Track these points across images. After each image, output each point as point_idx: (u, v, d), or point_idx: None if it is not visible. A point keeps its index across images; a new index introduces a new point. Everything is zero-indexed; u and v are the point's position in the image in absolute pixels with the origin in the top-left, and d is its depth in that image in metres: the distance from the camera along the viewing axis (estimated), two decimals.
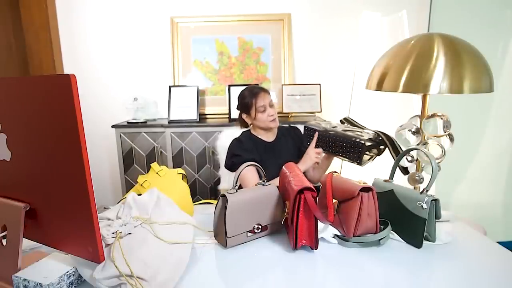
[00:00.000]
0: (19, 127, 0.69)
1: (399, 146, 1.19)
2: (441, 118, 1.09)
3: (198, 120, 2.30)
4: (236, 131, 1.66)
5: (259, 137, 1.56)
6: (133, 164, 2.26)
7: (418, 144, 1.10)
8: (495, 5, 2.21)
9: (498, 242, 0.94)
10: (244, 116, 1.54)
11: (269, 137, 1.57)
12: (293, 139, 1.61)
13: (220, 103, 2.45)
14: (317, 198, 0.96)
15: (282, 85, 2.37)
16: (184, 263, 0.78)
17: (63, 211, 0.68)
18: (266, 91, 1.52)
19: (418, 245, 0.91)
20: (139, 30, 2.41)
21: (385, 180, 1.03)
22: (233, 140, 1.54)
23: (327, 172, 1.18)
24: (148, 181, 1.07)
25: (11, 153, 0.72)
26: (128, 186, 2.27)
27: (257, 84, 1.62)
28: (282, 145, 1.57)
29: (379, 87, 1.09)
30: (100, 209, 0.84)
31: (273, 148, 1.55)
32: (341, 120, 1.43)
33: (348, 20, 2.39)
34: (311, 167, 1.46)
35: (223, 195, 0.92)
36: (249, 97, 1.50)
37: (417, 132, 1.11)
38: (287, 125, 1.66)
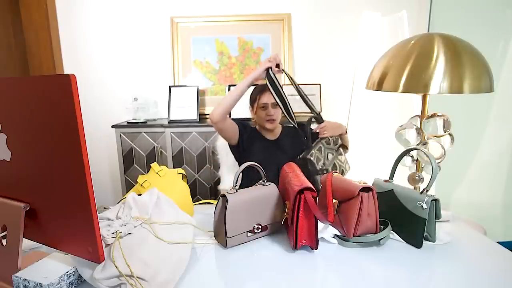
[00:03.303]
0: (19, 127, 0.69)
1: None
2: (441, 118, 1.09)
3: (198, 120, 2.30)
4: None
5: (262, 134, 1.57)
6: (133, 164, 2.26)
7: (418, 144, 1.10)
8: (495, 5, 2.21)
9: (498, 242, 0.94)
10: (250, 109, 1.59)
11: (270, 136, 1.58)
12: (297, 138, 1.60)
13: None
14: (317, 198, 0.96)
15: (282, 85, 2.37)
16: (184, 263, 0.78)
17: (63, 211, 0.68)
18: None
19: (418, 245, 0.91)
20: (139, 30, 2.41)
21: (385, 180, 1.03)
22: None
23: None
24: (148, 181, 1.07)
25: (11, 153, 0.72)
26: (128, 186, 2.27)
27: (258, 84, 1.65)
28: (284, 144, 1.57)
29: (379, 87, 1.09)
30: (100, 209, 0.84)
31: (275, 147, 1.56)
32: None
33: (348, 20, 2.39)
34: None
35: (223, 195, 0.92)
36: (256, 92, 1.55)
37: (417, 132, 1.11)
38: (292, 125, 1.65)
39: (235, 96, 1.42)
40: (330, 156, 1.34)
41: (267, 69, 1.38)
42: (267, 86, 1.54)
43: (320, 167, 1.29)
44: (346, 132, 1.47)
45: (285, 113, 1.37)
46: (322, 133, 1.39)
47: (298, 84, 1.44)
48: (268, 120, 1.52)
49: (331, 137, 1.39)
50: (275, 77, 1.38)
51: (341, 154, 1.40)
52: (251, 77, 1.40)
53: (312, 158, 1.29)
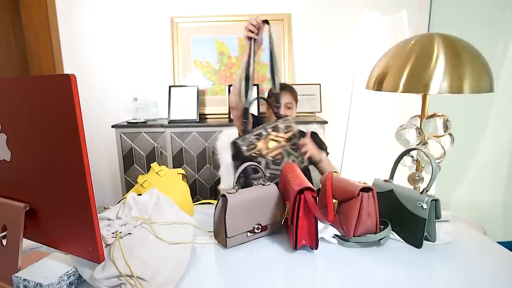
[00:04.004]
0: (19, 127, 0.69)
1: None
2: (441, 118, 1.09)
3: (198, 120, 2.30)
4: (236, 132, 1.66)
5: None
6: (133, 164, 2.26)
7: (418, 144, 1.10)
8: (495, 5, 2.21)
9: (498, 242, 0.94)
10: (266, 103, 1.57)
11: None
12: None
13: (220, 103, 2.45)
14: (317, 198, 0.96)
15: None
16: (184, 263, 0.78)
17: (63, 211, 0.68)
18: (291, 92, 1.53)
19: (418, 245, 0.91)
20: (139, 30, 2.41)
21: (385, 180, 1.03)
22: None
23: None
24: (148, 181, 1.07)
25: (11, 153, 0.72)
26: (128, 186, 2.27)
27: (287, 84, 1.62)
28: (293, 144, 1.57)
29: (379, 87, 1.09)
30: (100, 209, 0.84)
31: None
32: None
33: (348, 20, 2.39)
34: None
35: (223, 195, 0.92)
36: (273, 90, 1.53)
37: (417, 132, 1.11)
38: (310, 131, 1.63)
39: (240, 79, 1.36)
40: (273, 144, 1.22)
41: (251, 41, 1.26)
42: (281, 87, 1.53)
43: (250, 154, 1.17)
44: (321, 161, 1.41)
45: (242, 91, 1.25)
46: (302, 148, 1.30)
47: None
48: None
49: (282, 123, 1.27)
50: (254, 52, 1.26)
51: (293, 145, 1.27)
52: (245, 57, 1.30)
53: (242, 143, 1.17)
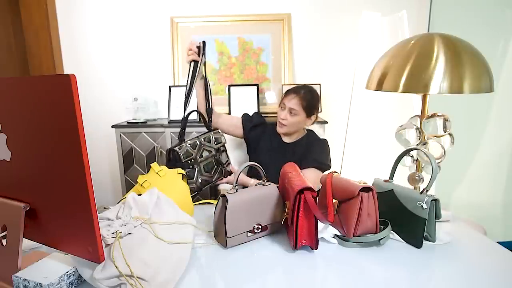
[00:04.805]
0: (19, 127, 0.69)
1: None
2: (441, 118, 1.09)
3: (198, 120, 2.30)
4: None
5: (279, 133, 1.57)
6: (133, 164, 2.26)
7: (418, 144, 1.10)
8: (495, 5, 2.21)
9: (498, 242, 0.94)
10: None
11: (286, 138, 1.57)
12: (314, 147, 1.54)
13: (220, 103, 2.44)
14: (317, 198, 0.96)
15: (282, 85, 2.38)
16: (184, 263, 0.78)
17: (63, 211, 0.68)
18: (298, 96, 1.46)
19: (418, 245, 0.91)
20: (139, 30, 2.41)
21: (385, 180, 1.03)
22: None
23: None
24: (148, 181, 1.07)
25: (11, 153, 0.72)
26: (128, 186, 2.27)
27: (303, 87, 1.57)
28: (297, 150, 1.53)
29: (379, 87, 1.09)
30: (100, 209, 0.84)
31: (286, 150, 1.54)
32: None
33: (348, 20, 2.39)
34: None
35: (223, 195, 0.92)
36: (287, 91, 1.53)
37: (417, 132, 1.11)
38: (320, 138, 1.58)
39: (198, 99, 1.52)
40: (205, 153, 1.32)
41: (194, 62, 1.38)
42: (294, 90, 1.50)
43: (186, 161, 1.26)
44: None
45: (184, 104, 1.38)
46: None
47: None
48: (280, 122, 1.50)
49: (213, 135, 1.38)
50: (193, 71, 1.39)
51: (221, 154, 1.40)
52: (189, 74, 1.40)
53: (179, 151, 1.25)
